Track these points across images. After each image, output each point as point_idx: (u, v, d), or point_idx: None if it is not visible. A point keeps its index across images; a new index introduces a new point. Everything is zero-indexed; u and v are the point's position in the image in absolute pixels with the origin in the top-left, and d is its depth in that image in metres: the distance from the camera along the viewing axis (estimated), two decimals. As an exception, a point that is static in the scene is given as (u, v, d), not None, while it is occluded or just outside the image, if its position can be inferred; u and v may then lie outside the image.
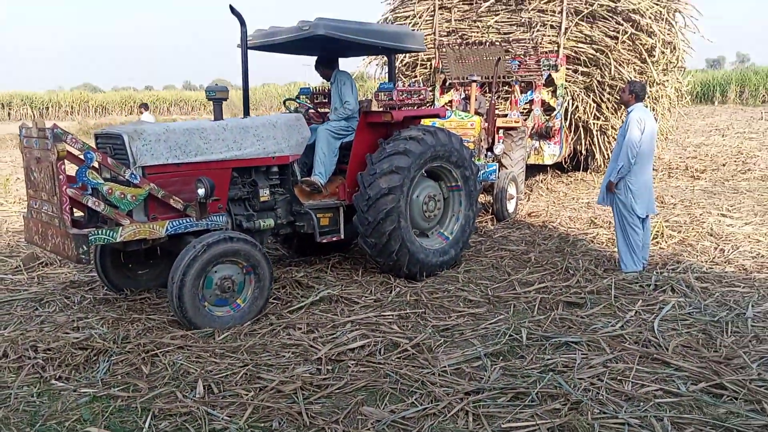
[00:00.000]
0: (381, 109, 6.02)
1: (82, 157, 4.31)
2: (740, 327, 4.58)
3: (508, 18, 11.26)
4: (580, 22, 10.58)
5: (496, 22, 11.33)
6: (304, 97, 6.66)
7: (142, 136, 4.49)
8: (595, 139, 11.13)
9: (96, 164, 4.32)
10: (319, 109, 6.63)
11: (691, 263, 6.17)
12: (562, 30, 10.59)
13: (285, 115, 5.72)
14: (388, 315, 4.86)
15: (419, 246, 5.79)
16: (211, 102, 5.17)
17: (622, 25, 10.45)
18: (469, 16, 11.66)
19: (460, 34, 11.75)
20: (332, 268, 6.22)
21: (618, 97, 6.81)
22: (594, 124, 10.94)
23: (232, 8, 5.18)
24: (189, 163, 4.74)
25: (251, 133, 5.14)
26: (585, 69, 10.76)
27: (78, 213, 4.59)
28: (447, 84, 11.84)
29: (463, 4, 11.72)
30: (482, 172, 8.49)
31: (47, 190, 4.31)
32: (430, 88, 12.17)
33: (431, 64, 12.11)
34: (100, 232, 4.23)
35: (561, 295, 5.30)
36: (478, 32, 11.54)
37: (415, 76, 12.48)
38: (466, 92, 10.74)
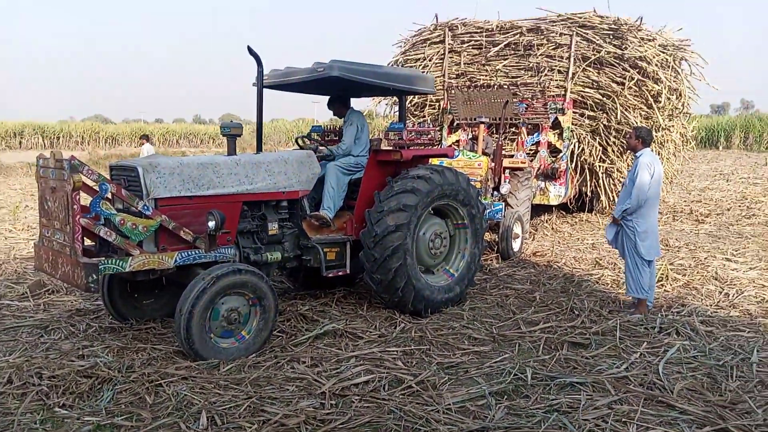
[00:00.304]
0: (391, 148, 6.12)
1: (96, 188, 4.38)
2: (745, 372, 4.52)
3: (516, 62, 11.49)
4: (587, 68, 10.78)
5: (504, 66, 11.56)
6: (315, 134, 6.78)
7: (156, 169, 4.58)
8: (601, 181, 11.22)
9: (110, 195, 4.39)
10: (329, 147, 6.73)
11: (696, 307, 6.14)
12: (570, 75, 10.78)
13: (296, 151, 5.83)
14: (393, 351, 4.84)
15: (425, 283, 5.80)
16: (224, 137, 5.29)
17: (628, 71, 10.64)
18: (478, 60, 11.91)
19: (468, 77, 11.98)
20: (337, 303, 6.21)
21: (625, 143, 6.89)
22: (600, 166, 11.06)
23: (250, 49, 5.33)
24: (201, 196, 4.81)
25: (263, 168, 5.23)
26: (591, 113, 10.93)
27: (89, 242, 4.65)
28: (455, 124, 12.00)
29: (472, 48, 11.97)
30: (488, 210, 8.55)
31: (60, 219, 4.36)
32: (438, 128, 12.35)
33: (440, 105, 12.31)
34: (109, 261, 4.27)
35: (566, 335, 5.27)
36: (486, 76, 11.76)
37: (424, 116, 12.68)
38: (474, 133, 10.89)
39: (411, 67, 12.57)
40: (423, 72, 12.19)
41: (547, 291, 6.76)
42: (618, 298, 6.47)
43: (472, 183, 8.39)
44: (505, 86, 11.12)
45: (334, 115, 6.51)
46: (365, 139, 6.28)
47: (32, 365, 4.23)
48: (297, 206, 5.61)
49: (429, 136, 6.25)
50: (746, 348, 4.99)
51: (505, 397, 4.07)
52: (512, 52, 11.55)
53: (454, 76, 12.17)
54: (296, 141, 6.64)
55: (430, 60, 12.30)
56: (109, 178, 4.68)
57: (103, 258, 4.30)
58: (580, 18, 10.99)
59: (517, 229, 8.75)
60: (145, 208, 4.46)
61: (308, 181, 5.55)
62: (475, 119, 10.67)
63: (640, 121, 10.71)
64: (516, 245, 8.74)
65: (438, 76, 12.23)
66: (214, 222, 4.62)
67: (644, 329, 5.47)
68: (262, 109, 5.57)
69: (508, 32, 11.52)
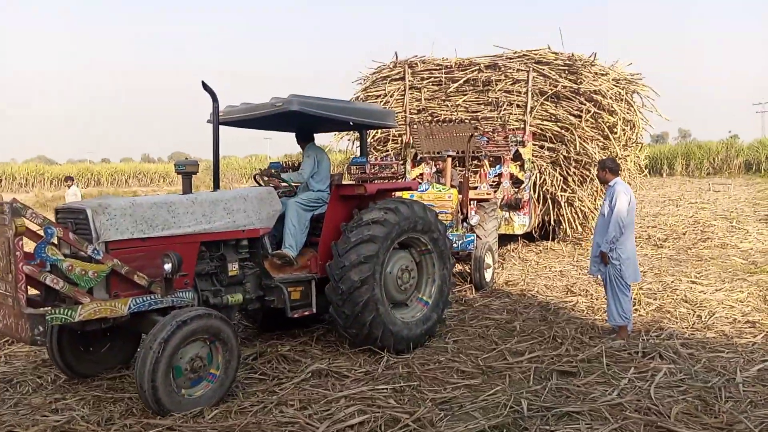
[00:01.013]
0: (353, 183, 5.96)
1: (41, 232, 4.04)
2: (733, 392, 4.52)
3: (476, 98, 11.68)
4: (545, 102, 11.05)
5: (464, 101, 11.73)
6: (274, 170, 6.55)
7: (106, 211, 4.29)
8: (564, 210, 11.39)
9: (55, 240, 4.06)
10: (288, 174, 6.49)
11: (673, 330, 6.18)
12: (528, 109, 11.02)
13: (256, 188, 5.62)
14: (382, 389, 4.65)
15: (394, 319, 5.59)
16: (179, 175, 5.06)
17: (584, 104, 10.94)
18: (438, 96, 12.07)
19: (430, 112, 12.11)
20: (317, 341, 5.99)
21: (597, 177, 7.02)
22: (561, 195, 11.24)
23: (204, 84, 5.15)
24: (155, 238, 4.52)
25: (221, 206, 4.98)
26: (551, 145, 11.16)
27: (32, 291, 4.21)
28: (418, 158, 12.07)
29: (432, 84, 12.14)
30: (461, 241, 8.54)
31: (1, 267, 4.00)
32: (402, 162, 12.39)
33: (402, 140, 12.37)
34: (57, 311, 3.91)
35: (554, 365, 5.20)
36: (447, 110, 11.90)
37: (387, 151, 12.70)
38: (437, 166, 10.95)
39: (373, 102, 12.70)
40: (387, 108, 12.38)
41: (525, 320, 6.71)
42: (596, 325, 6.46)
43: (443, 216, 8.45)
44: (467, 120, 11.28)
45: (300, 147, 6.38)
46: (325, 174, 6.11)
47: (3, 423, 3.87)
48: (258, 245, 5.33)
49: (392, 169, 6.13)
50: (729, 369, 5.01)
51: (505, 430, 3.94)
52: (471, 87, 11.74)
53: (416, 111, 12.29)
54: (254, 178, 6.45)
55: (391, 96, 12.39)
56: (54, 221, 4.35)
57: (50, 308, 3.94)
58: (536, 54, 11.30)
59: (488, 260, 8.73)
60: (95, 252, 4.15)
61: (269, 218, 5.33)
62: (440, 153, 10.76)
63: (598, 152, 10.98)
64: (488, 275, 8.70)
65: (399, 112, 12.32)
66: (170, 264, 4.33)
67: (628, 354, 5.46)
68: (218, 145, 5.36)
69: (467, 68, 11.74)
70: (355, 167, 5.94)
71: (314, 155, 6.06)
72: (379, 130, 12.51)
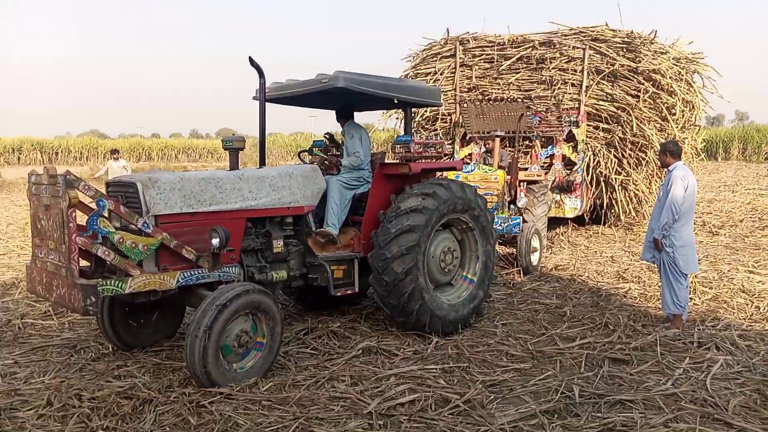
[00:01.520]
0: (397, 161, 5.93)
1: (93, 205, 4.13)
2: (794, 387, 4.41)
3: (528, 76, 11.41)
4: (601, 81, 10.71)
5: (517, 79, 11.50)
6: (317, 149, 6.59)
7: (156, 185, 4.36)
8: (617, 193, 11.11)
9: (107, 212, 4.14)
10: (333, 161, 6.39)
11: (730, 320, 6.02)
12: (583, 88, 10.71)
13: (301, 166, 5.65)
14: (432, 368, 4.69)
15: (440, 303, 5.57)
16: (226, 151, 5.10)
17: (643, 84, 10.57)
18: (489, 74, 11.82)
19: (480, 91, 11.90)
20: (366, 318, 6.07)
21: (658, 160, 6.81)
22: (615, 179, 10.95)
23: (251, 60, 5.15)
24: (203, 213, 4.58)
25: (267, 183, 5.03)
26: (606, 126, 10.84)
27: (83, 263, 4.30)
28: (467, 138, 11.94)
29: (483, 62, 11.89)
30: (506, 224, 8.44)
31: (55, 238, 4.07)
32: (450, 142, 12.28)
33: (451, 119, 12.24)
34: (108, 282, 4.00)
35: (606, 351, 5.14)
36: (498, 89, 11.69)
37: (435, 130, 12.61)
38: (486, 146, 10.81)
39: (422, 80, 12.58)
40: (434, 85, 12.26)
41: (576, 305, 6.63)
42: (649, 312, 6.34)
43: (488, 197, 8.30)
44: (519, 99, 11.08)
45: (341, 127, 6.32)
46: (366, 152, 6.08)
47: (70, 387, 4.08)
48: (302, 223, 5.39)
49: (437, 149, 6.01)
50: (789, 362, 4.88)
51: (556, 416, 3.93)
52: (524, 65, 11.45)
53: (466, 89, 12.09)
54: (299, 156, 6.47)
55: (441, 74, 12.20)
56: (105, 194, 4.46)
57: (101, 279, 4.04)
58: (593, 31, 10.93)
59: (535, 243, 8.62)
60: (145, 225, 4.22)
61: (313, 196, 5.38)
62: (489, 132, 10.62)
63: (655, 134, 10.65)
64: (534, 259, 8.59)
65: (449, 90, 12.17)
66: (218, 239, 4.39)
67: (683, 344, 5.34)
68: (264, 122, 5.40)
69: (520, 46, 11.43)
70: (399, 146, 5.86)
71: (357, 134, 6.03)
72: (428, 109, 12.42)
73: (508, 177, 9.22)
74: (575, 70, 10.86)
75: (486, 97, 11.62)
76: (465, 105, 11.52)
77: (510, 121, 10.60)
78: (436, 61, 12.34)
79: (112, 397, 3.89)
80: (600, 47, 10.73)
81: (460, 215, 5.73)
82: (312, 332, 5.54)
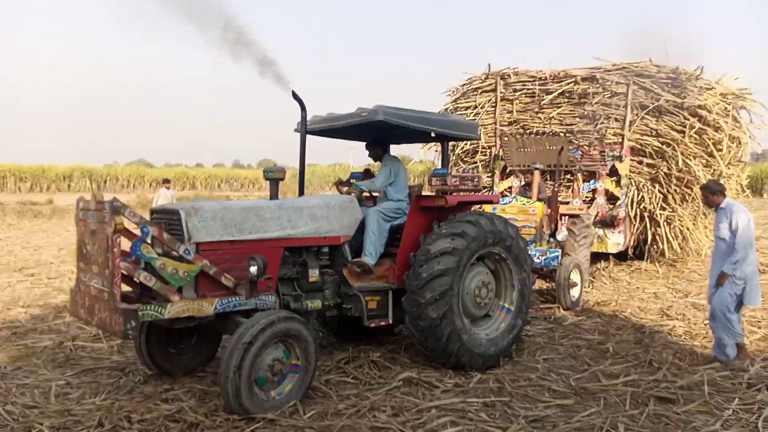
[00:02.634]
0: (433, 194, 5.94)
1: (137, 231, 4.22)
2: None
3: (570, 110, 11.46)
4: (646, 116, 10.69)
5: (558, 114, 11.55)
6: (354, 180, 6.64)
7: (198, 213, 4.46)
8: (662, 229, 10.98)
9: (150, 239, 4.23)
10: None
11: (782, 362, 5.85)
12: (627, 123, 10.70)
13: (339, 195, 5.74)
14: (473, 402, 4.68)
15: (475, 336, 5.53)
16: (267, 180, 5.22)
17: (688, 119, 10.53)
18: (530, 108, 11.93)
19: (521, 125, 12.00)
20: (406, 349, 6.07)
21: (703, 203, 6.76)
22: (660, 214, 10.84)
23: (294, 94, 5.31)
24: (243, 241, 4.65)
25: (306, 212, 5.08)
26: (650, 161, 10.80)
27: (128, 289, 4.50)
28: (506, 171, 11.98)
29: (524, 96, 12.01)
30: (544, 257, 8.35)
31: (99, 263, 4.17)
32: (489, 174, 12.34)
33: (491, 152, 12.32)
34: (148, 307, 4.08)
35: (651, 390, 5.02)
36: (540, 123, 11.76)
37: (475, 162, 12.70)
38: (526, 179, 10.81)
39: (462, 114, 12.74)
40: (474, 119, 12.38)
41: (619, 342, 6.51)
42: (695, 351, 6.19)
43: (526, 229, 8.30)
44: (560, 134, 11.11)
45: (371, 158, 6.44)
46: (403, 184, 6.14)
47: (120, 408, 4.22)
48: (338, 252, 5.43)
49: (474, 182, 6.03)
50: None
51: (602, 454, 3.89)
52: (566, 100, 11.53)
53: (506, 123, 12.21)
54: (337, 187, 6.53)
55: (481, 107, 12.37)
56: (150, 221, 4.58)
57: (141, 304, 4.12)
58: (636, 67, 10.99)
59: (575, 277, 8.50)
60: (187, 252, 4.31)
61: (350, 226, 5.41)
62: (527, 165, 10.66)
63: (702, 170, 10.54)
64: (575, 293, 8.46)
65: (490, 124, 12.31)
66: (256, 267, 4.45)
67: (732, 384, 5.19)
68: (304, 153, 5.54)
69: (562, 81, 11.53)
70: (435, 179, 5.90)
71: (391, 166, 6.10)
72: (468, 142, 12.53)
73: (548, 210, 9.21)
74: (618, 105, 10.87)
75: (527, 131, 11.67)
76: (506, 138, 11.61)
77: (551, 154, 10.63)
78: (476, 95, 12.52)
79: (161, 420, 4.01)
80: (644, 83, 10.77)
81: (491, 248, 5.68)
82: (353, 361, 5.57)
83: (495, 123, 12.18)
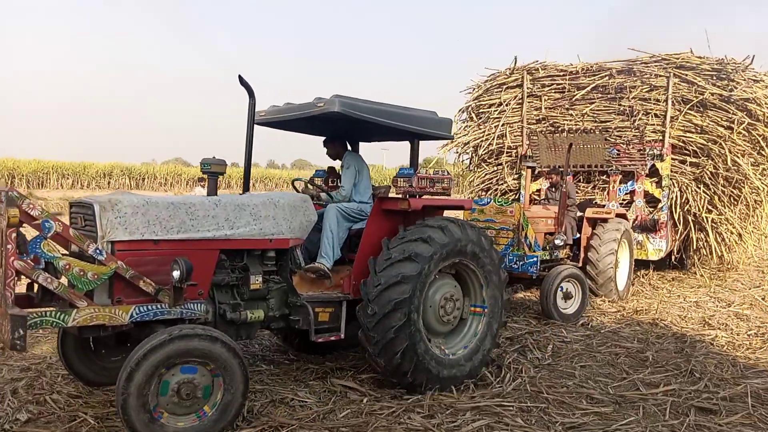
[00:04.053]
0: (398, 196, 5.94)
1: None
2: None
3: (605, 106, 11.91)
4: (689, 111, 11.10)
5: (591, 110, 11.97)
6: (318, 179, 6.79)
7: (116, 207, 4.38)
8: (710, 234, 11.33)
9: (55, 235, 4.17)
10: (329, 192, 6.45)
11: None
12: (668, 119, 11.11)
13: (289, 194, 5.67)
14: (509, 406, 5.17)
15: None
16: (204, 174, 5.33)
17: (736, 114, 10.87)
18: (560, 104, 12.39)
19: (551, 122, 12.43)
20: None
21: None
22: (706, 218, 11.17)
23: (241, 79, 5.35)
24: (169, 241, 4.59)
25: (247, 211, 5.04)
26: (694, 159, 11.17)
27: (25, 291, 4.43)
28: (536, 172, 12.39)
29: (554, 92, 12.47)
30: (522, 263, 8.59)
31: None
32: (516, 176, 12.80)
33: (518, 152, 12.77)
34: (46, 314, 3.97)
35: (692, 400, 5.48)
36: (571, 120, 12.19)
37: (499, 164, 13.17)
38: (550, 180, 11.04)
39: (486, 112, 13.25)
40: (499, 117, 12.88)
41: (659, 351, 7.02)
42: (738, 362, 6.64)
43: (503, 232, 8.68)
44: (596, 130, 11.49)
45: (329, 156, 6.50)
46: (366, 185, 6.22)
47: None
48: (287, 257, 5.40)
49: (444, 184, 5.97)
50: None
51: (641, 460, 4.36)
52: (600, 95, 11.97)
53: (534, 121, 12.65)
54: (293, 184, 6.59)
55: (506, 105, 12.82)
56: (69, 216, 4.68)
57: (35, 310, 4.01)
58: (677, 58, 11.34)
59: (572, 289, 8.63)
60: (98, 252, 4.22)
61: (301, 228, 5.37)
62: (553, 167, 10.99)
63: (751, 168, 10.91)
64: (570, 306, 8.60)
65: (516, 122, 12.77)
66: (178, 271, 4.31)
67: (776, 396, 5.67)
68: (251, 145, 5.59)
69: (595, 74, 11.98)
70: (402, 180, 5.88)
71: (354, 165, 6.17)
72: (493, 142, 13.02)
73: (589, 210, 9.65)
74: (658, 100, 11.28)
75: (559, 129, 12.10)
76: (534, 137, 12.02)
77: (586, 153, 11.07)
78: (501, 92, 12.97)
79: None
80: (686, 75, 11.15)
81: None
82: None
83: (522, 121, 12.63)
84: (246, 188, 5.76)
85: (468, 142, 13.49)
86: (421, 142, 6.49)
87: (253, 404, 4.93)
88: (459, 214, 7.55)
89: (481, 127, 13.34)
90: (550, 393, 5.55)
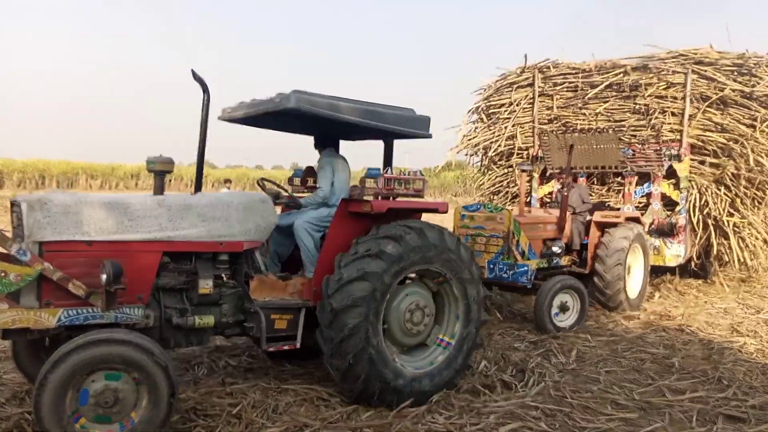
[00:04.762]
0: (362, 199, 5.82)
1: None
2: None
3: (619, 105, 12.02)
4: (708, 109, 11.17)
5: (605, 109, 12.10)
6: (297, 179, 6.85)
7: (45, 207, 4.42)
8: (731, 239, 11.36)
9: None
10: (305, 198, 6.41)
11: None
12: (686, 117, 11.18)
13: (246, 193, 5.67)
14: (532, 410, 5.35)
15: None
16: (150, 173, 5.27)
17: (759, 111, 10.93)
18: (573, 103, 12.52)
19: (563, 122, 12.59)
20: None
21: None
22: (727, 221, 11.20)
23: (194, 74, 5.36)
24: (104, 242, 4.62)
25: (194, 211, 5.04)
26: (714, 160, 11.22)
27: None
28: (547, 174, 12.57)
29: (566, 91, 12.62)
30: (512, 272, 8.47)
31: None
32: (528, 179, 12.90)
33: (529, 153, 12.90)
34: None
35: (720, 407, 5.65)
36: (584, 120, 12.34)
37: (510, 166, 13.31)
38: (561, 182, 11.06)
39: (496, 113, 13.41)
40: (509, 117, 13.03)
41: (685, 357, 7.21)
42: (766, 370, 6.84)
43: (493, 239, 8.69)
44: (609, 130, 11.56)
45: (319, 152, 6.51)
46: (342, 187, 6.19)
47: (186, 399, 5.07)
48: (242, 261, 5.43)
49: (416, 185, 5.87)
50: None
51: (668, 470, 4.53)
52: (614, 93, 12.08)
53: (545, 121, 12.80)
54: (258, 183, 6.56)
55: (517, 104, 12.99)
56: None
57: None
58: (696, 54, 11.41)
59: (569, 301, 8.53)
60: (21, 252, 4.29)
61: (258, 231, 5.36)
62: (563, 168, 10.97)
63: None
64: (567, 319, 8.51)
65: (527, 122, 12.93)
66: (105, 275, 4.34)
67: (807, 406, 5.82)
68: (204, 143, 5.57)
69: (609, 72, 12.08)
70: (371, 180, 5.82)
71: (330, 166, 6.16)
72: (502, 143, 13.18)
73: (597, 214, 9.75)
74: (675, 97, 11.37)
75: (571, 128, 12.25)
76: (546, 137, 12.10)
77: (599, 154, 11.17)
78: (511, 91, 13.15)
79: (224, 416, 4.90)
80: (705, 71, 11.20)
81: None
82: None
83: (533, 121, 12.78)
84: (198, 188, 5.74)
85: (478, 144, 13.64)
86: (339, 135, 6.53)
87: (277, 403, 5.20)
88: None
89: (491, 128, 13.51)
90: (575, 398, 5.73)
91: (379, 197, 5.68)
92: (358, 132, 6.44)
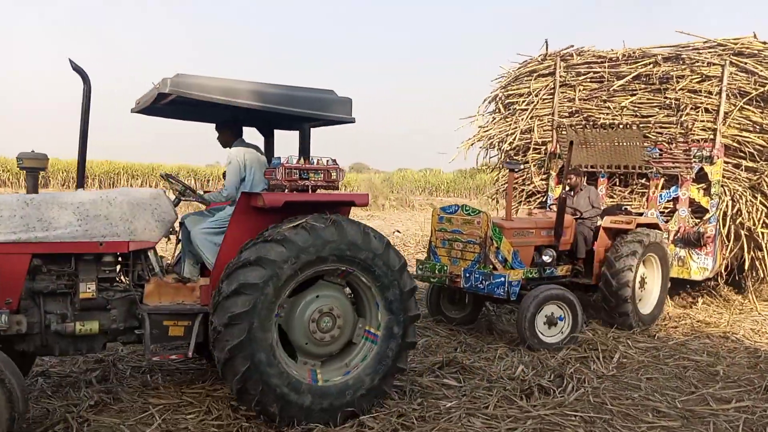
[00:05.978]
0: (256, 192, 5.79)
1: None
2: None
3: (648, 99, 11.96)
4: (746, 106, 11.06)
5: (632, 103, 12.03)
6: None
7: None
8: (764, 251, 11.19)
9: None
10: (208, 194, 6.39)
11: None
12: (721, 115, 11.08)
13: (134, 190, 5.67)
14: (571, 416, 5.50)
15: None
16: (21, 171, 5.39)
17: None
18: (597, 96, 12.45)
19: (585, 116, 12.52)
20: (500, 359, 7.37)
21: None
22: (762, 233, 11.06)
23: (72, 63, 5.41)
24: None
25: (69, 210, 5.06)
26: (751, 164, 11.10)
27: None
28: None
29: (590, 81, 12.57)
30: (488, 283, 8.26)
31: None
32: (544, 176, 12.99)
33: (547, 148, 12.88)
34: None
35: (767, 418, 5.86)
36: (608, 114, 12.32)
37: (526, 162, 13.31)
38: (569, 183, 10.64)
39: (513, 103, 13.42)
40: (526, 108, 13.09)
41: (730, 365, 7.46)
42: (815, 380, 7.02)
43: (470, 245, 8.56)
44: (634, 126, 11.57)
45: (220, 144, 6.42)
46: (257, 183, 6.10)
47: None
48: (132, 263, 5.44)
49: (330, 175, 5.70)
50: None
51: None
52: (643, 85, 12.00)
53: (566, 114, 12.74)
54: (162, 176, 6.53)
55: (536, 95, 12.98)
56: None
57: None
58: (736, 44, 11.24)
59: (558, 314, 8.26)
60: None
61: (149, 229, 5.37)
62: (573, 167, 10.82)
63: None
64: (556, 334, 8.23)
65: (545, 114, 12.92)
66: None
67: None
68: (86, 136, 5.58)
69: (638, 62, 12.03)
70: (270, 170, 5.80)
71: (236, 160, 6.06)
72: (517, 137, 13.22)
73: (606, 219, 9.78)
74: (710, 92, 11.22)
75: (592, 123, 12.23)
76: (564, 132, 12.17)
77: (622, 152, 11.19)
78: (530, 80, 13.13)
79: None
80: (745, 63, 11.04)
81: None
82: (448, 366, 6.92)
83: (552, 113, 12.76)
84: (80, 184, 5.72)
85: (493, 136, 13.65)
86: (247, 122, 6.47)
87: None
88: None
89: (507, 119, 13.53)
90: (615, 405, 5.91)
91: (285, 190, 5.58)
92: (268, 119, 6.43)
